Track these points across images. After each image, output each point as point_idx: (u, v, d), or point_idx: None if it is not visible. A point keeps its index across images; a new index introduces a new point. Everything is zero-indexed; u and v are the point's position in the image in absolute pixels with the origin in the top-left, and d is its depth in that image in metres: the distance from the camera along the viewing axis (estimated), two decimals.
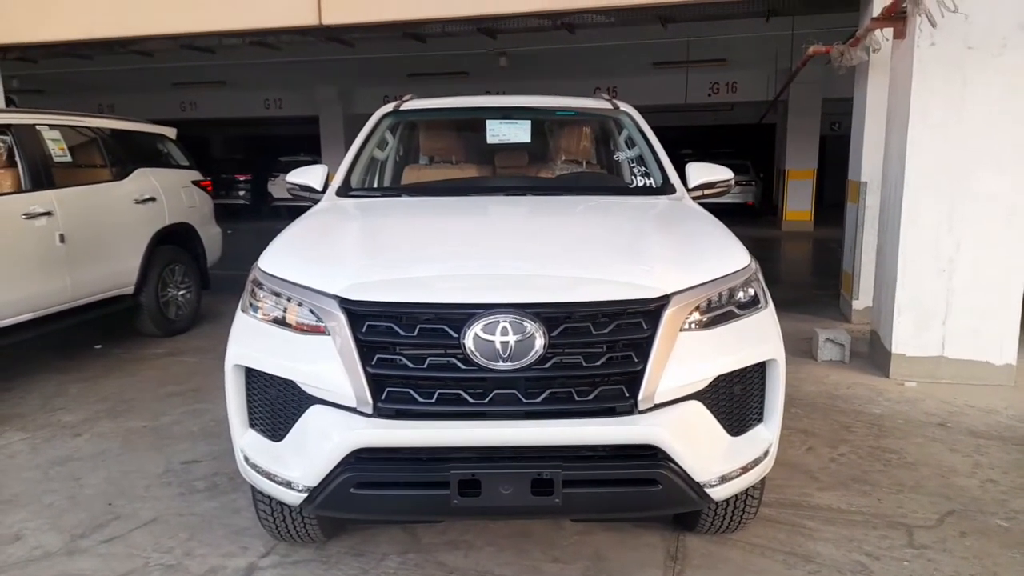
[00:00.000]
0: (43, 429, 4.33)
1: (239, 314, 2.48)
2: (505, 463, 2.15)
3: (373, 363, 2.15)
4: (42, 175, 5.22)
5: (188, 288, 6.71)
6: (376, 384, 2.15)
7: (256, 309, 2.41)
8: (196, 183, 7.02)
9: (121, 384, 5.19)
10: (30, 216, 5.02)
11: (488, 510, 2.20)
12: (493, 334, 2.09)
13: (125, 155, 6.19)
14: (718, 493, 2.29)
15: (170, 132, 7.08)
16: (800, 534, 3.03)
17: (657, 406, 2.17)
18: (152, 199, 6.24)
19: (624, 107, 4.00)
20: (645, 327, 2.17)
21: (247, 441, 2.40)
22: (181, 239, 6.65)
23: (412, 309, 2.17)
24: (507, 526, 3.07)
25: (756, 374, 2.38)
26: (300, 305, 2.29)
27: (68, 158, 5.54)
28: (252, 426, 2.42)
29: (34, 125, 5.32)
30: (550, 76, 14.29)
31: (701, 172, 3.47)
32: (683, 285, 2.25)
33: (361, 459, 2.16)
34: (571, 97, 4.19)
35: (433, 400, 2.15)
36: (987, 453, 3.85)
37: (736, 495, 2.66)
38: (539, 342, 2.11)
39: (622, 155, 3.86)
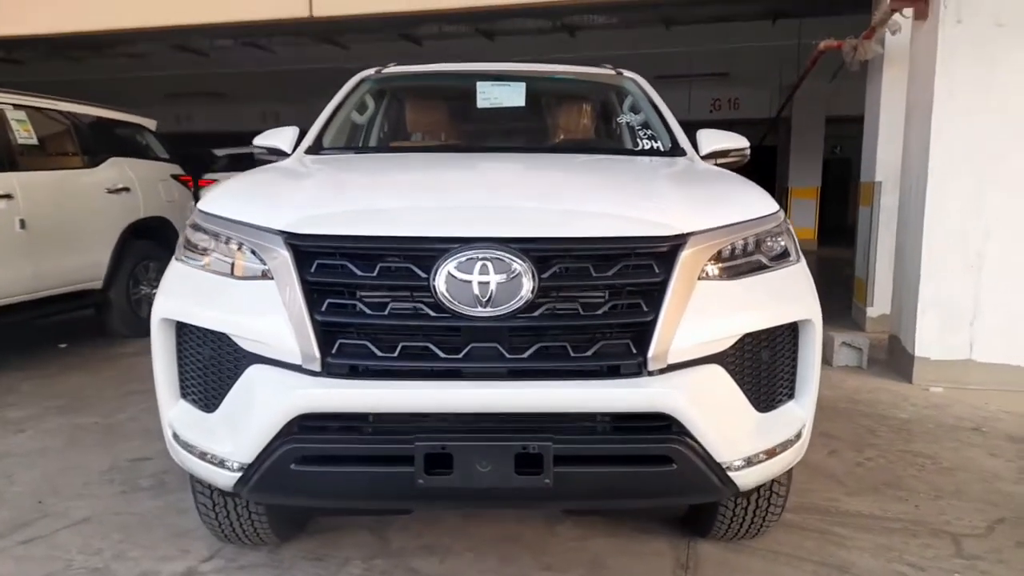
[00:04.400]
0: None
1: (172, 263, 2.09)
2: (483, 434, 1.75)
3: (323, 310, 1.76)
4: (3, 156, 4.87)
5: None
6: (326, 335, 1.75)
7: (191, 254, 2.02)
8: (176, 177, 6.67)
9: (80, 382, 4.78)
10: None
11: (461, 492, 1.77)
12: (470, 273, 1.70)
13: (98, 142, 5.84)
14: (743, 479, 1.88)
15: (150, 123, 6.75)
16: (831, 542, 2.62)
17: (671, 367, 1.77)
18: (126, 189, 5.88)
19: (628, 73, 3.66)
20: (657, 271, 1.78)
21: (176, 413, 2.00)
22: (157, 234, 6.25)
23: (371, 244, 1.77)
24: (492, 528, 2.66)
25: (787, 338, 1.98)
26: (240, 247, 1.90)
27: (33, 140, 5.20)
28: (184, 396, 2.01)
29: None
30: None
31: (714, 138, 3.10)
32: (704, 225, 1.86)
33: (305, 428, 1.76)
34: (570, 65, 3.84)
35: (395, 355, 1.75)
36: None
37: (759, 490, 2.27)
38: (527, 285, 1.72)
39: (626, 119, 3.49)
